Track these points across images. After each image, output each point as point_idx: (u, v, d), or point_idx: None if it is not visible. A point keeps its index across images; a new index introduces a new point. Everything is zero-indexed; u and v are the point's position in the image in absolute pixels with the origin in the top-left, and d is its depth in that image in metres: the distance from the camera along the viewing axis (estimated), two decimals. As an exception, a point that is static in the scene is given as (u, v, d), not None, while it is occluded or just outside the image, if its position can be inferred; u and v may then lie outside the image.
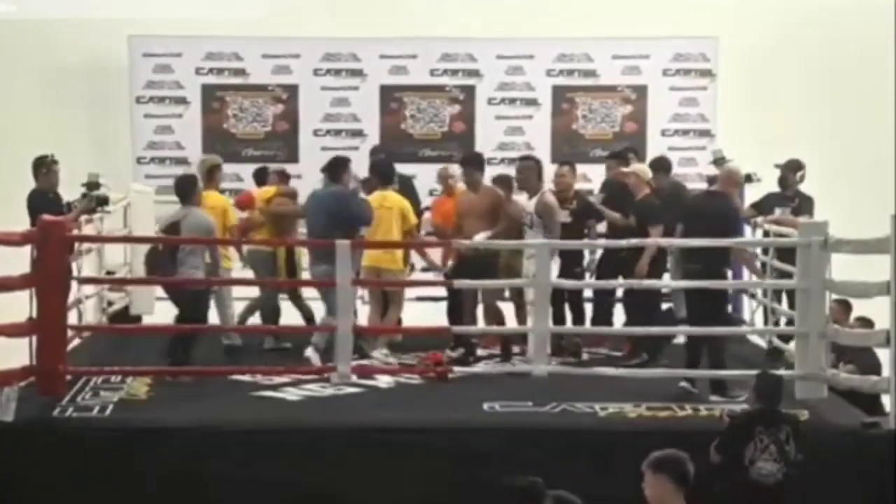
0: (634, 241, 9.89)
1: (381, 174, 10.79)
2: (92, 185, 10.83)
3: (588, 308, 10.92)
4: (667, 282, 10.39)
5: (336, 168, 10.28)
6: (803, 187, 11.15)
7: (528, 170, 10.38)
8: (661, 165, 11.29)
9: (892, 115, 13.78)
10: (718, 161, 11.56)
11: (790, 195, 10.98)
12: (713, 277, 9.14)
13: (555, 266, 9.91)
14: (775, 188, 11.21)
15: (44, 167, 10.50)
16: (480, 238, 10.01)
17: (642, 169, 10.81)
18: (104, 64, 14.45)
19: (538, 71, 14.55)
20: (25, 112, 14.27)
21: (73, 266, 9.83)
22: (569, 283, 9.87)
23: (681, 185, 11.66)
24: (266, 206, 11.00)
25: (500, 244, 10.06)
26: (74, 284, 9.54)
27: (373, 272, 10.47)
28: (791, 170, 11.05)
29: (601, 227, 11.09)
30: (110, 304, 11.80)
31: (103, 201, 10.78)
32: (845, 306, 10.23)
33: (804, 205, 10.83)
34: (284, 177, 11.61)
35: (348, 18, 14.45)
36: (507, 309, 10.68)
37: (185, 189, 10.00)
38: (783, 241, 10.03)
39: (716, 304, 9.30)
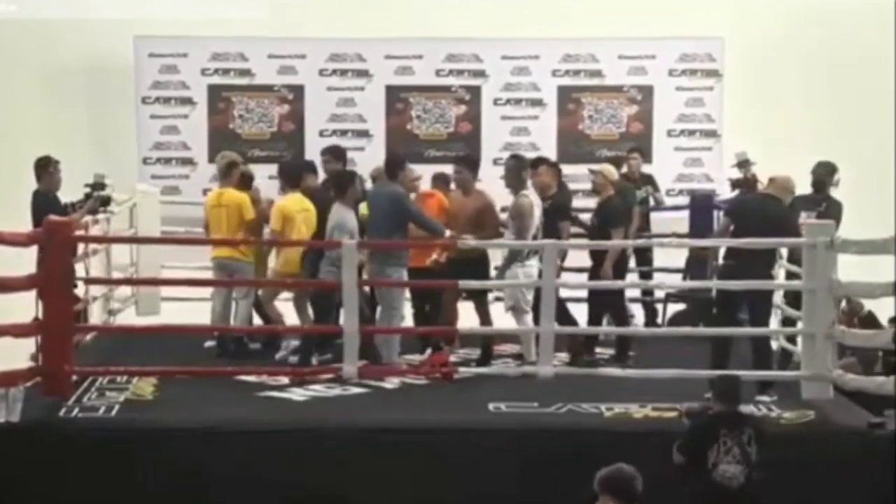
0: (653, 241, 9.87)
1: (288, 176, 10.73)
2: (97, 185, 10.84)
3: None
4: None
5: (393, 167, 10.28)
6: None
7: (508, 169, 10.38)
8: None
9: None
10: (742, 164, 11.35)
11: (819, 199, 10.68)
12: (759, 279, 9.16)
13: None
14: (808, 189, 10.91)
15: (50, 167, 10.51)
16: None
17: (609, 169, 10.81)
18: (109, 64, 14.45)
19: (544, 71, 14.54)
20: (30, 112, 14.27)
21: (81, 266, 9.84)
22: (578, 283, 9.84)
23: (629, 187, 11.60)
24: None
25: (488, 244, 10.09)
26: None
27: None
28: (824, 173, 10.67)
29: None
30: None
31: (106, 202, 10.80)
32: (857, 307, 10.21)
33: (831, 210, 10.42)
34: (245, 178, 11.16)
35: (354, 19, 14.44)
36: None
37: (336, 186, 10.09)
38: (789, 241, 9.98)
39: (766, 307, 9.42)
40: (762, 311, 9.43)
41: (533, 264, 9.89)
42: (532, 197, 10.15)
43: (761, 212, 9.42)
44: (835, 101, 14.47)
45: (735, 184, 10.79)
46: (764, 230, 9.08)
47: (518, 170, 10.31)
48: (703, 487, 7.43)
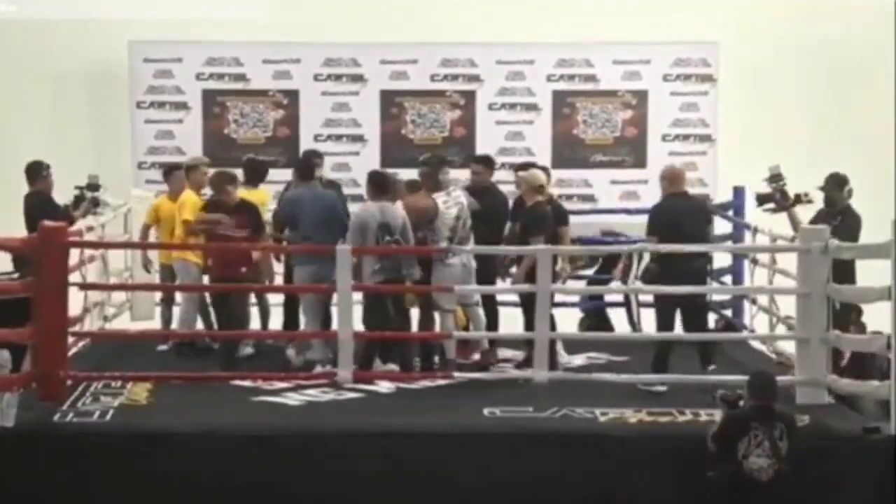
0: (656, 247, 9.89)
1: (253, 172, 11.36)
2: (92, 185, 10.85)
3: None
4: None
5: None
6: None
7: (421, 174, 10.63)
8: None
9: (892, 118, 13.77)
10: (775, 178, 11.00)
11: (834, 212, 10.21)
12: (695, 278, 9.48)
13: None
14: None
15: (42, 170, 10.51)
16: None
17: (532, 176, 10.57)
18: (104, 68, 14.44)
19: (538, 76, 14.52)
20: (25, 117, 14.26)
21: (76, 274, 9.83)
22: (574, 289, 9.81)
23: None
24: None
25: (475, 250, 10.14)
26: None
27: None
28: (830, 187, 10.33)
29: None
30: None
31: (97, 202, 10.82)
32: (856, 312, 10.19)
33: (846, 223, 10.05)
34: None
35: (349, 23, 14.45)
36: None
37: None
38: (784, 246, 10.00)
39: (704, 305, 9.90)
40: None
41: (454, 263, 10.03)
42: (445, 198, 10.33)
43: (679, 211, 9.67)
44: (831, 104, 14.49)
45: (762, 198, 10.55)
46: (686, 226, 9.53)
47: (435, 173, 10.52)
48: (733, 478, 7.56)
